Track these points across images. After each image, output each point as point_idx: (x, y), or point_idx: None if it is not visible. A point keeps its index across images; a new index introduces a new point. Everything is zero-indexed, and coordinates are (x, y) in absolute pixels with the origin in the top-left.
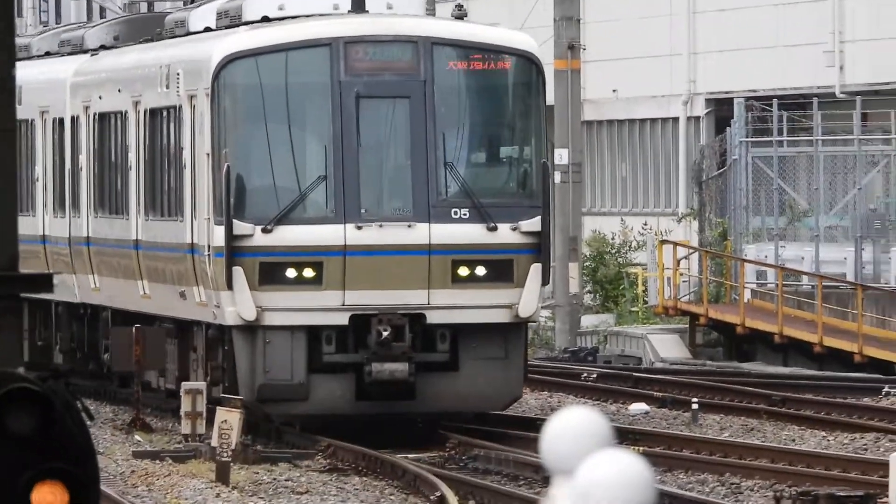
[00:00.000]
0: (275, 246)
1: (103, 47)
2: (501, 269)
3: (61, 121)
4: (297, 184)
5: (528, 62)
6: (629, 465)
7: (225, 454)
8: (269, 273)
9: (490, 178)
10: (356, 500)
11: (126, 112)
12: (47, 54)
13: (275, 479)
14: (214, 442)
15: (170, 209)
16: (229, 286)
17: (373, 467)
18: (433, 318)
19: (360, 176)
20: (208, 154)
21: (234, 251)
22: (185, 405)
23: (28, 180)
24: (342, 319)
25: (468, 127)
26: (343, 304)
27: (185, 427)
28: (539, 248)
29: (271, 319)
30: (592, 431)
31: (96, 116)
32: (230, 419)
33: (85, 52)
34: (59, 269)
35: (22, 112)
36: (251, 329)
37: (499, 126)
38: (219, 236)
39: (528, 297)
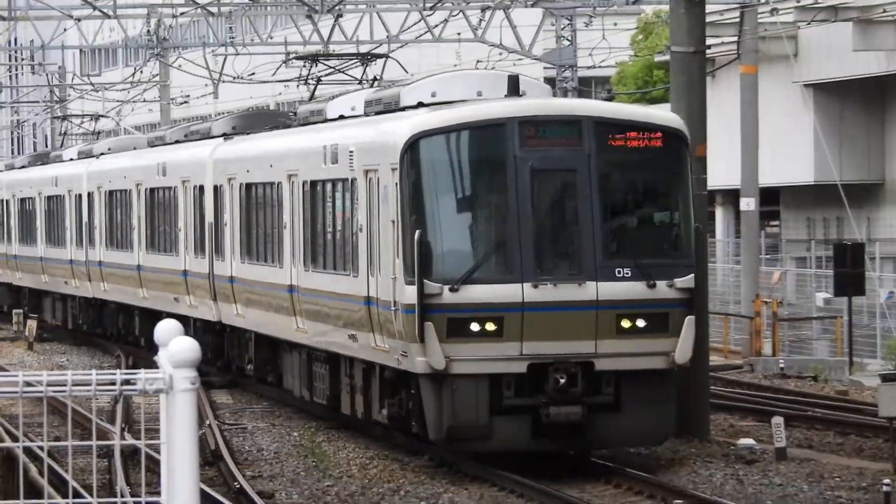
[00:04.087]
0: (461, 303)
1: (225, 135)
2: (659, 321)
3: (202, 188)
4: (481, 247)
5: (678, 138)
6: (188, 342)
7: (31, 338)
8: (456, 327)
9: (647, 241)
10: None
11: (279, 183)
12: (177, 142)
13: (46, 349)
14: (27, 333)
15: (336, 264)
16: (421, 339)
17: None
18: (601, 365)
19: (535, 240)
20: (393, 221)
21: (425, 308)
22: (15, 319)
23: (172, 230)
24: (521, 368)
25: (627, 195)
26: (521, 354)
27: (15, 327)
28: (692, 302)
29: (458, 368)
30: (175, 330)
31: (243, 185)
32: (31, 324)
33: (211, 137)
34: (199, 295)
35: (167, 181)
36: (439, 377)
37: (653, 194)
38: (409, 295)
39: (684, 346)
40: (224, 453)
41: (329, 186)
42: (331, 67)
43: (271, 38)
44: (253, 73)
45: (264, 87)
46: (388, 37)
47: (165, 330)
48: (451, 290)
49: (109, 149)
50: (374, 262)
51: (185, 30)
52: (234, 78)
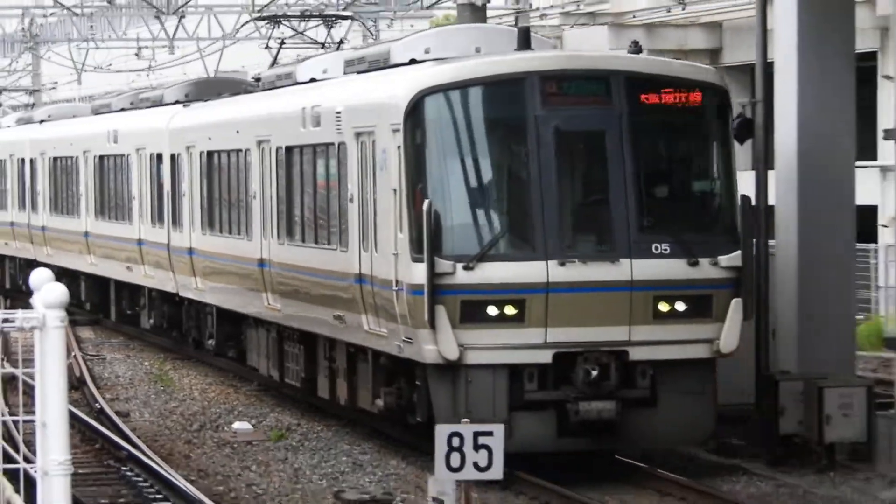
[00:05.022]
0: (477, 284)
1: (179, 102)
2: (701, 304)
3: (159, 156)
4: (498, 220)
5: (719, 94)
6: (58, 287)
7: None
8: (471, 311)
9: (687, 212)
10: None
11: (248, 150)
12: (122, 110)
13: None
14: None
15: (318, 237)
16: (431, 325)
17: None
18: (635, 354)
19: (560, 212)
20: (395, 190)
21: (435, 289)
22: None
23: (126, 198)
24: (545, 357)
25: (663, 160)
26: (545, 342)
27: None
28: (739, 282)
29: (473, 358)
30: (48, 278)
31: (204, 154)
32: None
33: (163, 105)
34: (154, 265)
35: (119, 149)
36: (452, 368)
37: (693, 159)
38: (416, 273)
39: (730, 333)
40: (87, 379)
41: (309, 152)
42: (295, 31)
43: (125, 34)
44: (111, 64)
45: (120, 76)
46: (223, 35)
47: (39, 278)
48: (466, 268)
49: (50, 116)
50: (367, 235)
51: (54, 27)
52: (95, 68)
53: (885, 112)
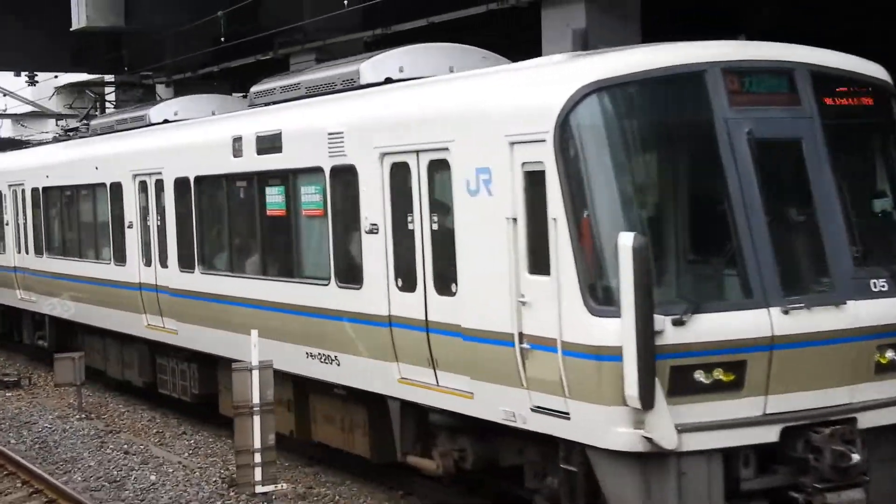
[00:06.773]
0: (689, 343)
1: None
2: None
3: None
4: (703, 257)
5: (888, 95)
6: None
7: None
8: (681, 380)
9: (889, 238)
10: None
11: (117, 184)
12: None
13: None
14: None
15: (282, 271)
16: (647, 403)
17: None
18: (864, 421)
19: (775, 244)
20: (513, 219)
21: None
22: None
23: None
24: (771, 434)
25: (857, 175)
26: (765, 414)
27: None
28: None
29: (688, 443)
30: None
31: (39, 189)
32: None
33: None
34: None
35: None
36: (641, 455)
37: (876, 173)
38: (601, 331)
39: None
40: None
41: (246, 181)
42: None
43: None
44: None
45: None
46: None
47: None
48: (676, 323)
49: None
50: (410, 273)
51: None
52: None
53: None
